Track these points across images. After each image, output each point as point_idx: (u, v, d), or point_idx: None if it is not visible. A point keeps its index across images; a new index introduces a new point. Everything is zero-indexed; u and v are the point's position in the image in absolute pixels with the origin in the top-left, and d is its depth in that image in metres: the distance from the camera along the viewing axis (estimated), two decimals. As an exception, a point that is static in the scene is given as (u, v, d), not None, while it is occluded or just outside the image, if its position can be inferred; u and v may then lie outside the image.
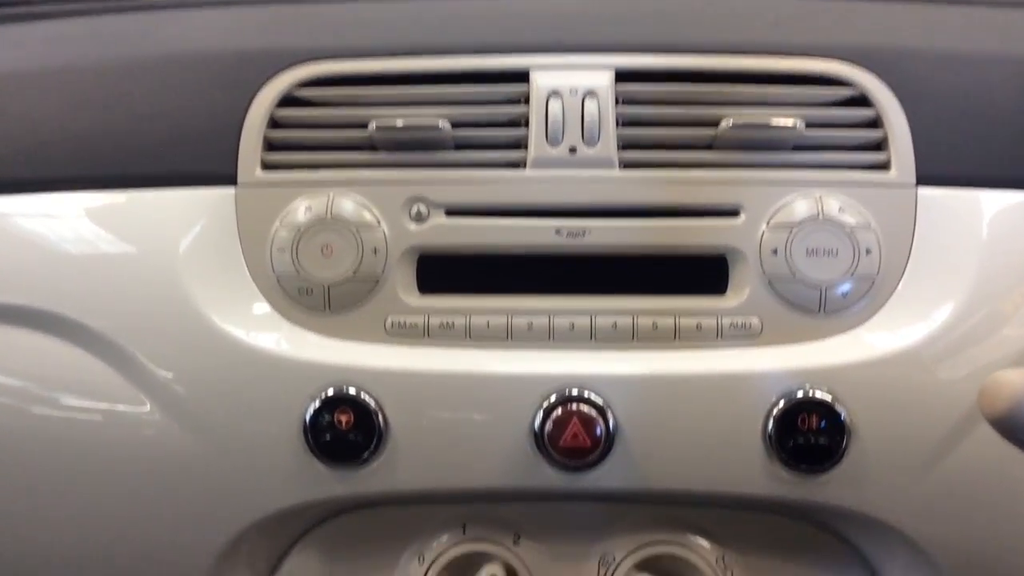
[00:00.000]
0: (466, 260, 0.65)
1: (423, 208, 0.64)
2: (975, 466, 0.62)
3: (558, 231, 0.64)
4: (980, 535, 0.63)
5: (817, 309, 0.63)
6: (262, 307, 0.64)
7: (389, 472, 0.63)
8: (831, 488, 0.62)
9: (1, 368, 0.65)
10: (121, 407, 0.64)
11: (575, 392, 0.62)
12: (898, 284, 0.64)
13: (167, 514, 0.64)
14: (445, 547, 0.67)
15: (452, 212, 0.64)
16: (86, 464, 0.64)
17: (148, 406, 0.63)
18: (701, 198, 0.64)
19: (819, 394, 0.61)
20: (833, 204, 0.63)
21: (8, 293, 0.64)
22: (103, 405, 0.64)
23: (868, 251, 0.63)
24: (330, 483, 0.63)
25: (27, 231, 0.65)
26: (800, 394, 0.61)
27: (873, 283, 0.63)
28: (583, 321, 0.64)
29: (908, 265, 0.64)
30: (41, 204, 0.65)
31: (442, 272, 0.65)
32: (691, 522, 0.67)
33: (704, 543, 0.67)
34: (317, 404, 0.62)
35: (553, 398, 0.62)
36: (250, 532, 0.65)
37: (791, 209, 0.63)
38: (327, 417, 0.62)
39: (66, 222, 0.65)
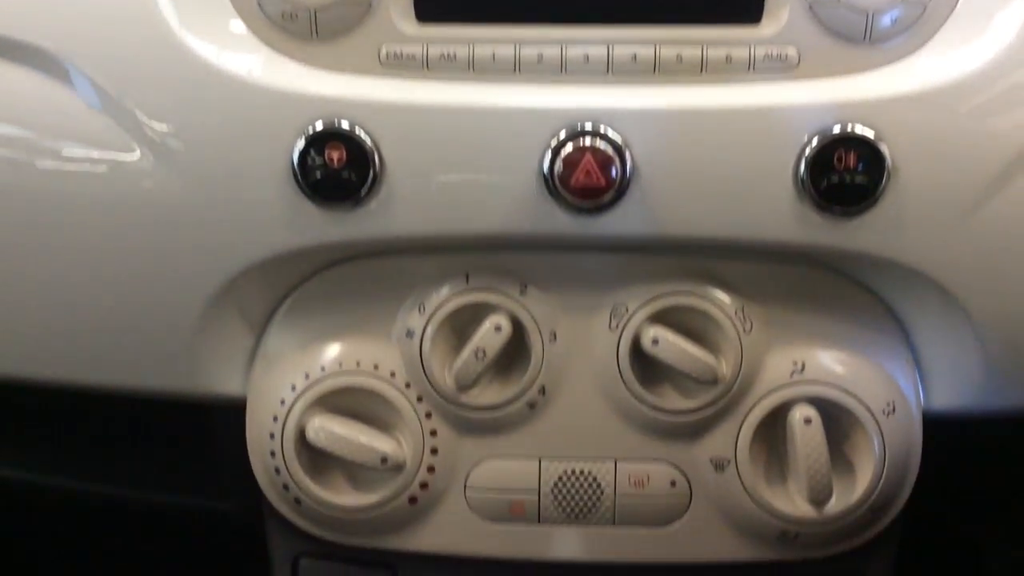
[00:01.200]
0: None
1: None
2: (1020, 215, 0.58)
3: None
4: (1018, 289, 0.59)
5: (862, 37, 0.57)
6: (242, 33, 0.58)
7: (386, 215, 0.59)
8: (864, 233, 0.58)
9: None
10: (98, 145, 0.59)
11: (589, 127, 0.57)
12: (953, 10, 0.57)
13: (154, 260, 0.61)
14: (447, 297, 0.62)
15: (452, -73, 0.57)
16: (62, 209, 0.60)
17: (133, 148, 0.59)
18: None
19: (859, 129, 0.56)
20: None
21: None
22: (76, 140, 0.60)
23: None
24: (323, 226, 0.59)
25: None
26: (837, 129, 0.56)
27: (925, 8, 0.57)
28: (599, 52, 0.58)
29: None
30: None
31: None
32: (711, 272, 0.62)
33: (724, 295, 0.62)
34: (306, 139, 0.57)
35: (564, 133, 0.57)
36: (240, 279, 0.61)
37: None
38: (317, 154, 0.57)
39: None
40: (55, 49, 0.58)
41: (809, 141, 0.56)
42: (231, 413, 0.65)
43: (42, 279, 0.62)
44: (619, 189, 0.57)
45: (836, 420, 0.62)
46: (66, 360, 0.65)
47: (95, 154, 0.60)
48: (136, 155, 0.59)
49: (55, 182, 0.60)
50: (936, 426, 0.64)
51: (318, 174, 0.57)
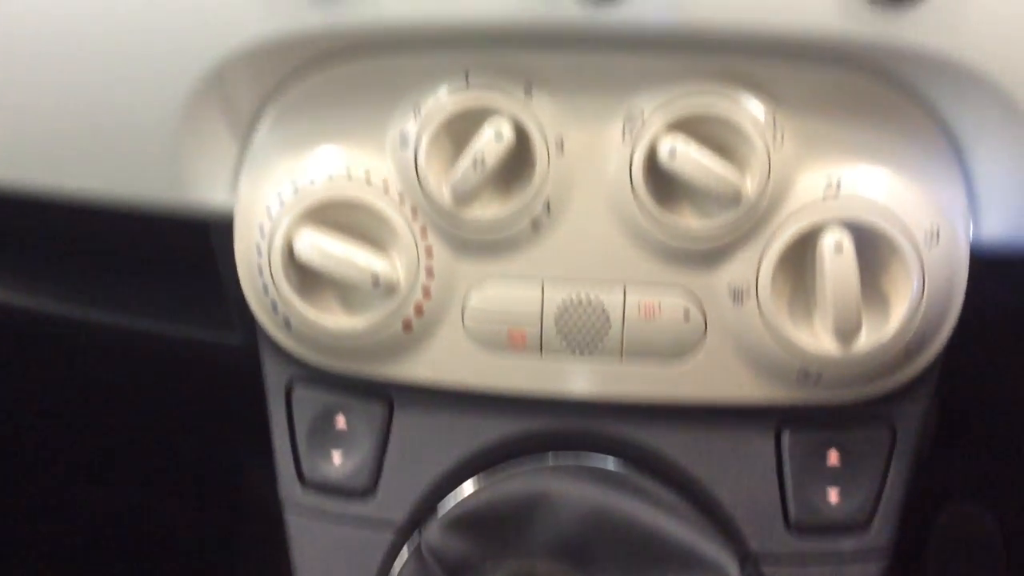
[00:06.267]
0: None
1: None
2: None
3: None
4: None
5: None
6: None
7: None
8: (918, 27, 0.51)
9: None
10: None
11: None
12: None
13: (132, 50, 0.56)
14: (444, 99, 0.56)
15: None
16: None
17: None
18: None
19: None
20: None
21: None
22: None
23: None
24: (310, 9, 0.54)
25: None
26: None
27: None
28: None
29: None
30: None
31: None
32: (739, 74, 0.55)
33: (753, 99, 0.55)
34: None
35: None
36: (222, 73, 0.56)
37: None
38: None
39: None
40: None
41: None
42: (229, 231, 0.62)
43: (16, 75, 0.59)
44: (638, -33, 0.50)
45: (872, 246, 0.56)
46: (42, 163, 0.61)
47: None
48: None
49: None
50: (985, 259, 0.58)
51: None
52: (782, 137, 0.55)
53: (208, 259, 0.65)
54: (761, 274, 0.57)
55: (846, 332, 0.56)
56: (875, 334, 0.56)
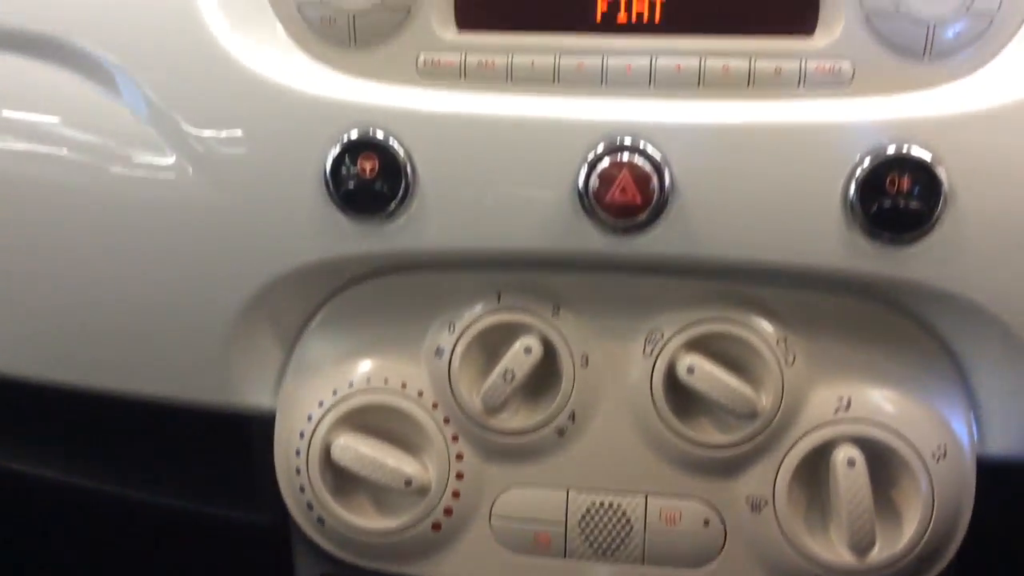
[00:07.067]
0: None
1: None
2: None
3: None
4: None
5: (921, 52, 0.54)
6: (280, 39, 0.58)
7: (417, 228, 0.57)
8: (918, 262, 0.54)
9: (14, 103, 0.61)
10: (134, 149, 0.59)
11: (627, 142, 0.54)
12: (1021, 26, 0.54)
13: (188, 267, 0.60)
14: (478, 316, 0.60)
15: (498, -69, 0.56)
16: (98, 212, 0.60)
17: (171, 153, 0.58)
18: None
19: (915, 151, 0.53)
20: None
21: (16, 18, 0.59)
22: (114, 144, 0.60)
23: None
24: (354, 238, 0.58)
25: None
26: (892, 150, 0.53)
27: (991, 22, 0.53)
28: (642, 63, 0.56)
29: None
30: None
31: (483, 4, 0.57)
32: (752, 299, 0.59)
33: (765, 323, 0.59)
34: (339, 148, 0.56)
35: (601, 147, 0.54)
36: (272, 289, 0.60)
37: None
38: (350, 163, 0.56)
39: None
40: (101, 53, 0.58)
41: (860, 162, 0.53)
42: (267, 423, 0.64)
43: (76, 282, 0.62)
44: (656, 207, 0.54)
45: (883, 462, 0.58)
46: (98, 366, 0.64)
47: (132, 157, 0.59)
48: (173, 160, 0.58)
49: (92, 184, 0.60)
50: (991, 472, 0.60)
51: (350, 184, 0.56)
52: (794, 357, 0.59)
53: (242, 442, 0.68)
54: (778, 485, 0.59)
55: (861, 545, 0.58)
56: (888, 546, 0.58)
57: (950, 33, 0.54)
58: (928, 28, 0.53)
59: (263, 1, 0.58)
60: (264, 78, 0.57)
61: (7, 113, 0.61)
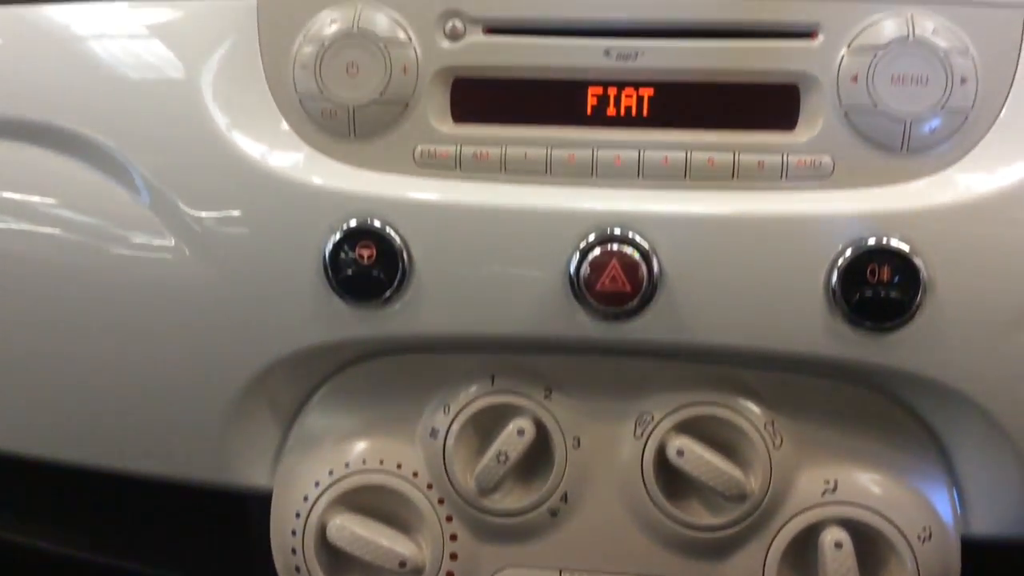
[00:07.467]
0: (504, 85, 0.58)
1: (459, 24, 0.58)
2: None
3: (607, 52, 0.57)
4: None
5: (899, 147, 0.56)
6: (283, 130, 0.59)
7: (413, 313, 0.58)
8: (898, 350, 0.56)
9: (18, 187, 0.62)
10: (136, 234, 0.60)
11: (617, 231, 0.56)
12: (995, 121, 0.56)
13: (187, 349, 0.61)
14: (472, 398, 0.62)
15: (490, 29, 0.58)
16: (96, 294, 0.61)
17: (170, 237, 0.59)
18: (772, 15, 0.56)
19: (894, 242, 0.54)
20: (926, 25, 0.55)
21: (22, 107, 0.61)
22: (116, 229, 0.61)
23: (963, 80, 0.55)
24: (351, 323, 0.59)
25: (43, 42, 0.61)
26: (872, 242, 0.55)
27: (966, 119, 0.55)
28: (630, 155, 0.58)
29: (1008, 100, 0.56)
30: (55, 14, 0.61)
31: (478, 98, 0.59)
32: (739, 383, 0.61)
33: (752, 406, 0.60)
34: (338, 236, 0.57)
35: (592, 237, 0.56)
36: (271, 371, 0.61)
37: (877, 29, 0.55)
38: (348, 251, 0.57)
39: (76, 32, 0.61)
40: (106, 142, 0.60)
41: (842, 253, 0.55)
42: (264, 501, 0.65)
43: (76, 363, 0.63)
44: (645, 295, 0.56)
45: (870, 543, 0.59)
46: (95, 445, 0.65)
47: (131, 240, 0.61)
48: (172, 244, 0.60)
49: (90, 267, 0.61)
50: (976, 552, 0.61)
51: (349, 271, 0.57)
52: (781, 440, 0.60)
53: (239, 519, 0.69)
54: (767, 567, 0.60)
55: None
56: None
57: (926, 129, 0.56)
58: (905, 124, 0.55)
59: (266, 94, 0.59)
60: (266, 168, 0.58)
61: (10, 196, 0.62)
